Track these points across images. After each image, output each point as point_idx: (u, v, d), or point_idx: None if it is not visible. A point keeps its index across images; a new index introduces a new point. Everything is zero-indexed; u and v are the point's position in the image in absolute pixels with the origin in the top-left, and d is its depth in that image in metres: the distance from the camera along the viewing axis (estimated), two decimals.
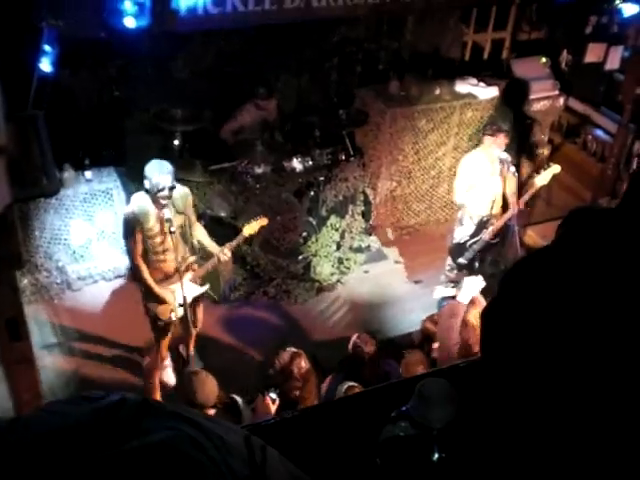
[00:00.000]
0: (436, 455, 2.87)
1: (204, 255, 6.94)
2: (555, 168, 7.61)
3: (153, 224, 6.23)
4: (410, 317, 8.18)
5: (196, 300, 6.77)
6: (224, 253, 6.64)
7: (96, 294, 8.21)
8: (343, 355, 6.41)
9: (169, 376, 7.19)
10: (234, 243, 6.79)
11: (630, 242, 1.03)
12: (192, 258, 6.59)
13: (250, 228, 6.83)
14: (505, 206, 7.73)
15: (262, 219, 6.96)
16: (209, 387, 5.44)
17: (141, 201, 6.21)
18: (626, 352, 0.96)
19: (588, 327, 0.99)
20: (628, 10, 8.45)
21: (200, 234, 6.76)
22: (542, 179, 7.59)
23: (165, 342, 6.83)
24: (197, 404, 5.23)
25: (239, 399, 5.70)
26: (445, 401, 2.99)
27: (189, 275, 6.62)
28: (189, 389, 5.42)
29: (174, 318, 6.62)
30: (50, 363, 7.18)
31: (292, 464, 0.86)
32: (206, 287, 6.81)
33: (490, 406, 1.15)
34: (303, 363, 5.82)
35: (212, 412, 5.24)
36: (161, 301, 6.48)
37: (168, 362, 7.15)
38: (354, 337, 6.33)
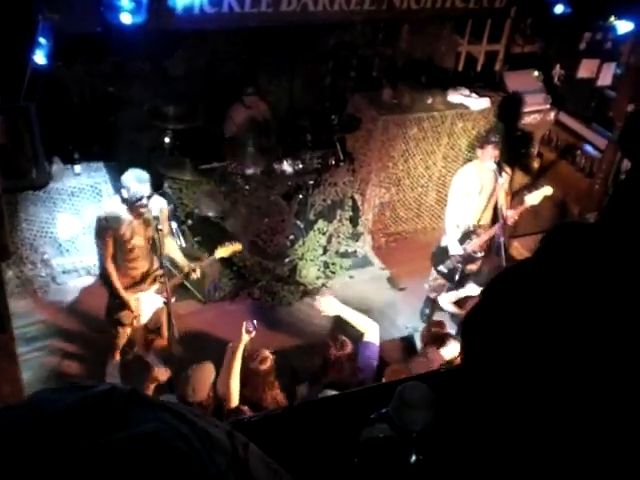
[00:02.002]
0: (414, 457, 2.89)
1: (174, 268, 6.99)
2: (547, 190, 7.54)
3: (124, 231, 6.25)
4: (394, 324, 8.20)
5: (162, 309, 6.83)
6: (194, 271, 6.71)
7: (81, 288, 8.17)
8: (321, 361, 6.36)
9: (113, 376, 7.14)
10: (205, 263, 6.89)
11: (608, 254, 1.05)
12: (160, 271, 6.55)
13: (223, 251, 6.84)
14: (494, 218, 7.70)
15: (236, 244, 6.94)
16: (206, 375, 5.48)
17: (114, 207, 6.23)
18: (601, 359, 0.98)
19: (565, 337, 1.01)
20: (622, 27, 8.50)
21: (172, 248, 6.80)
22: (533, 199, 7.49)
23: (119, 344, 6.92)
24: (190, 392, 5.29)
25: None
26: (424, 405, 3.01)
27: (155, 286, 6.67)
28: (186, 377, 5.45)
29: (136, 324, 6.73)
30: (32, 356, 7.15)
31: (274, 461, 0.87)
32: (163, 303, 6.77)
33: (469, 411, 1.17)
34: (268, 363, 5.66)
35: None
36: (126, 307, 6.54)
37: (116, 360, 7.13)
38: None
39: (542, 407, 1.02)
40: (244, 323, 5.61)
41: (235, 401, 5.44)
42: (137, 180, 6.08)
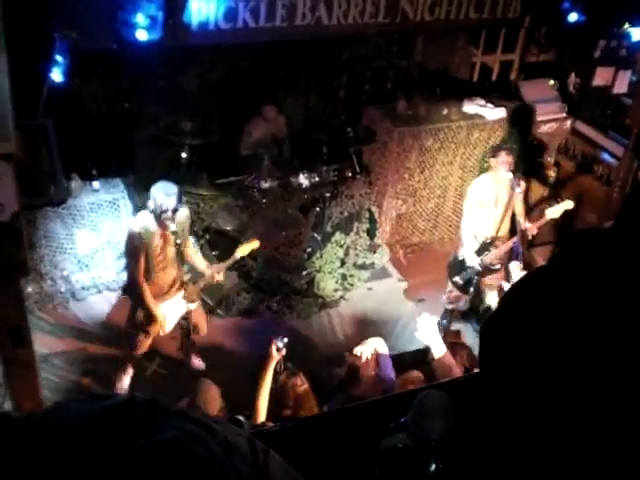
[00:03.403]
0: (433, 466, 2.89)
1: (196, 276, 7.04)
2: (568, 204, 7.46)
3: (157, 243, 6.35)
4: (412, 335, 8.16)
5: (189, 312, 6.91)
6: (217, 274, 6.79)
7: (100, 304, 8.21)
8: (344, 373, 6.33)
9: (124, 383, 7.16)
10: (227, 264, 6.92)
11: (622, 259, 1.05)
12: (185, 277, 6.71)
13: (242, 250, 6.88)
14: (512, 229, 7.64)
15: (254, 241, 7.02)
16: (211, 395, 5.46)
17: (145, 220, 6.31)
18: (620, 366, 0.98)
19: (584, 344, 1.01)
20: (637, 34, 8.49)
21: (194, 255, 6.94)
22: (553, 212, 7.43)
23: (134, 357, 7.00)
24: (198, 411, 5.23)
25: (243, 419, 5.66)
26: (443, 413, 3.01)
27: (181, 293, 6.73)
28: (193, 395, 5.45)
29: (161, 333, 6.77)
30: (52, 372, 7.18)
31: (294, 469, 0.87)
32: (194, 305, 6.90)
33: (487, 419, 1.17)
34: (299, 382, 5.59)
35: None
36: (152, 317, 6.59)
37: (129, 373, 7.16)
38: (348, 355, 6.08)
39: (560, 414, 1.01)
40: (274, 341, 5.47)
41: (262, 417, 5.38)
42: (164, 192, 6.19)
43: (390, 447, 2.95)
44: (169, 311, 6.70)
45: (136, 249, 6.33)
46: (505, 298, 1.23)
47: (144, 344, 6.85)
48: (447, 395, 3.08)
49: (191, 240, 7.11)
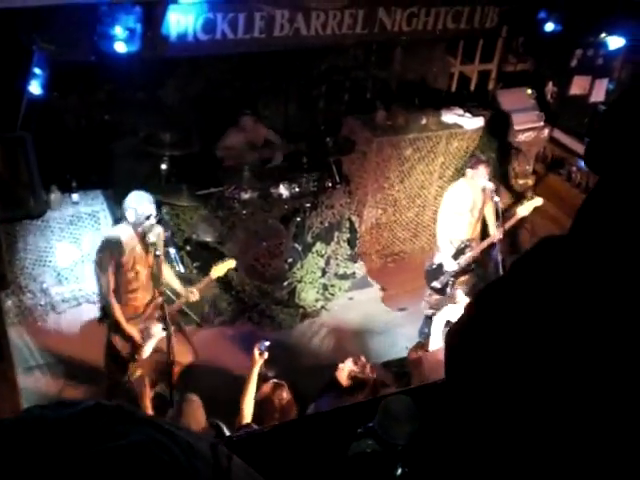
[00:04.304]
0: (400, 470, 2.91)
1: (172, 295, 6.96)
2: (537, 200, 7.74)
3: (127, 258, 6.25)
4: (394, 345, 8.20)
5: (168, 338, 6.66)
6: (192, 294, 6.69)
7: (80, 317, 8.18)
8: (325, 382, 6.35)
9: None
10: (201, 285, 6.83)
11: (576, 265, 1.08)
12: (160, 298, 6.48)
13: (218, 270, 6.80)
14: (485, 231, 7.83)
15: (230, 261, 6.91)
16: (197, 417, 5.47)
17: (118, 234, 6.25)
18: (580, 371, 1.00)
19: (543, 350, 1.03)
20: (613, 43, 8.58)
21: (168, 275, 6.79)
22: (524, 210, 7.73)
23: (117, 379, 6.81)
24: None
25: (222, 425, 5.68)
26: (408, 418, 3.03)
27: (156, 315, 6.60)
28: (177, 412, 5.44)
29: (138, 358, 6.62)
30: (32, 385, 7.14)
31: (258, 475, 0.89)
32: (165, 333, 6.55)
33: (452, 425, 1.19)
34: (285, 394, 5.70)
35: None
36: (128, 338, 6.49)
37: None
38: (349, 363, 6.07)
39: (525, 419, 1.03)
40: (256, 345, 5.62)
41: (247, 419, 5.45)
42: (144, 199, 6.18)
43: (358, 452, 2.98)
44: (146, 334, 6.56)
45: (105, 264, 6.20)
46: (469, 306, 1.26)
47: (122, 376, 6.68)
48: (411, 400, 3.11)
49: (168, 256, 7.04)
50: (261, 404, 5.63)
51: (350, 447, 2.96)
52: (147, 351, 6.62)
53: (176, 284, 6.84)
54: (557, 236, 1.17)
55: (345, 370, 5.97)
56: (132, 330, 6.45)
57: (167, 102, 9.10)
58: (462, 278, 8.07)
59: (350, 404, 5.02)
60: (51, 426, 0.77)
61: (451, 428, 1.19)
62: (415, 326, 8.38)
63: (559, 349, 1.01)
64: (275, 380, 5.86)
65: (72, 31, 6.20)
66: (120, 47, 6.41)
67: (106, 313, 6.59)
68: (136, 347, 6.54)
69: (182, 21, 7.01)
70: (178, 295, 6.82)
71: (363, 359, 6.10)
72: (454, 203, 7.78)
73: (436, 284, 8.06)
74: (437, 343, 6.68)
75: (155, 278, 6.41)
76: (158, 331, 6.57)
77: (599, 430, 0.99)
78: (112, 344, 6.62)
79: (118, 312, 6.34)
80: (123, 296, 6.39)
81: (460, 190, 7.80)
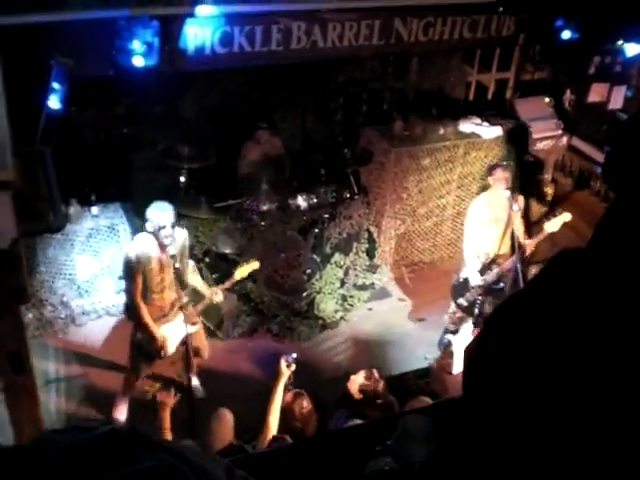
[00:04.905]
0: None
1: (196, 297, 7.04)
2: (565, 216, 7.43)
3: (155, 265, 6.39)
4: (413, 355, 8.17)
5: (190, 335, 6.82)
6: (216, 294, 6.83)
7: (100, 329, 8.21)
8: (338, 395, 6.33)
9: (121, 413, 7.12)
10: (226, 285, 6.96)
11: (595, 279, 1.07)
12: (186, 299, 6.72)
13: (242, 271, 6.94)
14: (514, 247, 7.58)
15: (253, 262, 7.06)
16: (225, 433, 5.50)
17: (143, 243, 6.36)
18: (601, 388, 0.99)
19: (564, 366, 1.02)
20: (631, 50, 8.54)
21: (193, 277, 6.97)
22: (552, 226, 7.40)
23: (134, 380, 6.96)
24: (211, 441, 5.32)
25: (246, 447, 5.68)
26: (426, 436, 3.02)
27: (181, 316, 6.69)
28: (208, 427, 5.49)
29: (163, 356, 6.75)
30: (52, 398, 7.17)
31: None
32: (196, 327, 6.87)
33: (470, 442, 1.18)
34: (305, 403, 5.75)
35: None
36: (153, 339, 6.60)
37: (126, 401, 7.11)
38: (360, 377, 6.07)
39: (542, 437, 1.02)
40: (283, 357, 5.66)
41: (273, 432, 5.46)
42: (160, 210, 6.26)
43: (376, 470, 2.96)
44: (170, 333, 6.69)
45: (133, 271, 6.36)
46: (487, 321, 1.25)
47: (146, 368, 6.85)
48: (430, 419, 3.09)
49: (190, 263, 7.11)
50: (282, 413, 5.66)
51: (368, 465, 2.95)
52: (170, 350, 6.74)
53: (200, 284, 7.00)
54: (575, 250, 1.16)
55: (356, 383, 5.99)
56: (157, 330, 6.58)
57: (185, 115, 9.15)
58: (490, 298, 7.76)
59: (368, 422, 5.00)
60: (67, 453, 0.77)
61: (468, 445, 1.18)
62: (434, 336, 8.34)
63: (577, 367, 1.00)
64: (296, 389, 5.89)
65: (90, 46, 6.26)
66: (138, 61, 6.46)
67: (132, 316, 6.65)
68: (161, 345, 6.65)
69: (199, 35, 7.06)
70: (202, 295, 6.92)
71: (376, 374, 6.09)
72: (477, 214, 7.70)
73: (462, 301, 7.88)
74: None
75: (180, 280, 6.56)
76: (182, 330, 6.66)
77: (617, 443, 0.97)
78: (136, 344, 6.75)
79: (145, 313, 6.50)
80: (150, 298, 6.54)
81: (482, 202, 7.74)
